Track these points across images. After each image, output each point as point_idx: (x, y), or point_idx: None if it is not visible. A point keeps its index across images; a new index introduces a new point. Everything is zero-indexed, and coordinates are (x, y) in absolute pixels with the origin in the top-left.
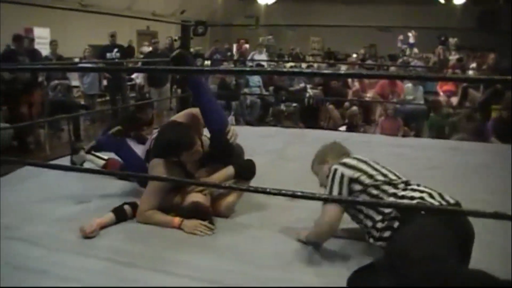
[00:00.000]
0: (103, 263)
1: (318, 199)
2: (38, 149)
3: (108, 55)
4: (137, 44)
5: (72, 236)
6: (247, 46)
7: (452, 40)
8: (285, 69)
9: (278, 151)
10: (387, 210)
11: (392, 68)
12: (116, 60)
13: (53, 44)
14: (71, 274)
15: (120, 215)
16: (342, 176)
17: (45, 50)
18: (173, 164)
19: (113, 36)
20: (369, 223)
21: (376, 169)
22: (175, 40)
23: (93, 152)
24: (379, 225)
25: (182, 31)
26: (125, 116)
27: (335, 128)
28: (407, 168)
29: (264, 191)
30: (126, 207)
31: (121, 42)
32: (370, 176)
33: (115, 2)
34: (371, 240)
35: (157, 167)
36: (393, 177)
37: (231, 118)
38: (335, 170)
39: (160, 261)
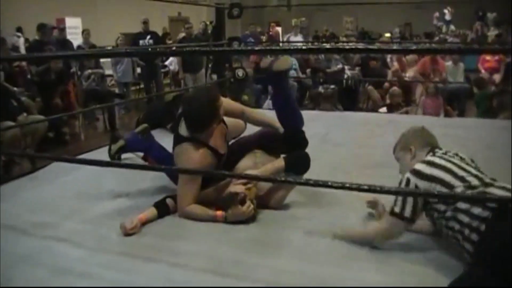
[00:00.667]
0: (147, 263)
1: (373, 191)
2: (74, 139)
3: (141, 42)
4: (169, 30)
5: (112, 233)
6: (278, 29)
7: (491, 15)
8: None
9: (321, 136)
10: (476, 211)
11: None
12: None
13: (85, 33)
14: (114, 276)
15: (163, 210)
16: (416, 188)
17: (77, 40)
18: (203, 147)
19: (145, 23)
20: (456, 226)
21: (457, 175)
22: (210, 23)
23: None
24: (467, 228)
25: (216, 14)
26: (156, 108)
27: (374, 109)
28: (461, 150)
29: (316, 183)
30: (169, 200)
31: (153, 29)
32: (450, 187)
33: None
34: (458, 242)
35: (186, 153)
36: (476, 182)
37: (268, 102)
38: (408, 180)
39: (209, 260)
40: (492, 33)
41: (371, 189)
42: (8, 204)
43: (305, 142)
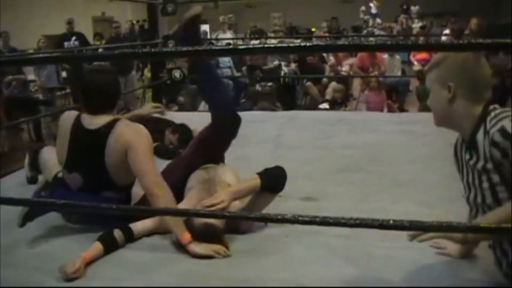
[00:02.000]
0: None
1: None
2: None
3: (66, 44)
4: (93, 31)
5: (50, 280)
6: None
7: (414, 8)
8: (267, 46)
9: (273, 139)
10: None
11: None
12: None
13: (3, 35)
14: None
15: (110, 244)
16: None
17: None
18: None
19: (70, 23)
20: None
21: None
22: (137, 22)
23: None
24: None
25: (148, 11)
26: None
27: (314, 106)
28: (429, 148)
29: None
30: (116, 232)
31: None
32: None
33: None
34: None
35: (135, 127)
36: None
37: (203, 104)
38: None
39: None
40: (416, 25)
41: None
42: None
43: (238, 118)
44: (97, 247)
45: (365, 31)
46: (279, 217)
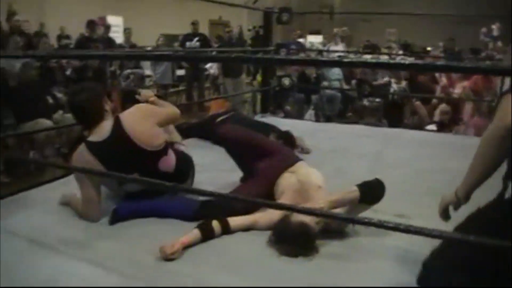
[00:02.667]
0: None
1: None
2: None
3: (188, 44)
4: (209, 34)
5: (149, 258)
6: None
7: None
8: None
9: (374, 154)
10: None
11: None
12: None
13: (126, 32)
14: None
15: (207, 233)
16: None
17: (118, 39)
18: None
19: (194, 24)
20: None
21: None
22: (253, 28)
23: None
24: None
25: (264, 18)
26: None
27: (421, 126)
28: None
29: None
30: (215, 223)
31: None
32: None
33: None
34: None
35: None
36: None
37: (310, 113)
38: None
39: None
40: None
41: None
42: (37, 211)
43: None
44: (196, 234)
45: (483, 54)
46: (366, 220)
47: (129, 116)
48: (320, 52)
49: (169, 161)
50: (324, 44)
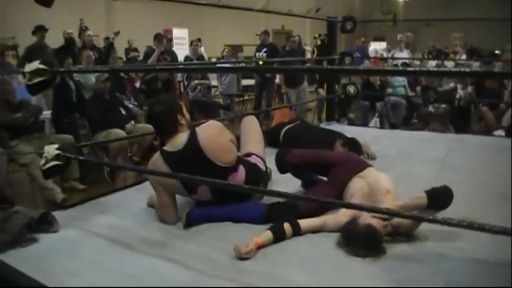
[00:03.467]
0: None
1: None
2: None
3: (257, 54)
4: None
5: (224, 256)
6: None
7: None
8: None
9: (440, 160)
10: None
11: None
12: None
13: (194, 44)
14: None
15: (279, 235)
16: None
17: (183, 51)
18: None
19: (262, 34)
20: None
21: None
22: (319, 36)
23: None
24: None
25: (328, 28)
26: None
27: (488, 132)
28: None
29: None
30: (286, 225)
31: (255, 42)
32: None
33: (250, 2)
34: None
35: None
36: None
37: (375, 120)
38: None
39: None
40: None
41: None
42: (114, 215)
43: None
44: (268, 235)
45: None
46: (430, 217)
47: (205, 130)
48: (385, 59)
49: (238, 177)
50: (388, 50)
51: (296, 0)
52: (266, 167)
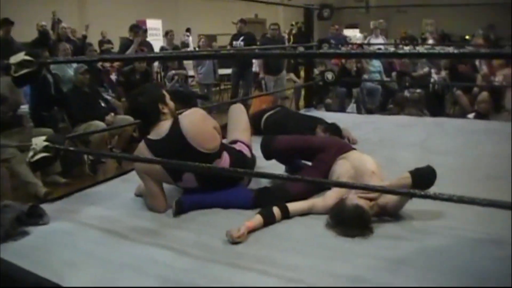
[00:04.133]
0: (261, 277)
1: None
2: None
3: (234, 43)
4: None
5: (217, 242)
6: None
7: None
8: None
9: (421, 143)
10: None
11: None
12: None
13: (169, 34)
14: None
15: (269, 219)
16: None
17: (158, 42)
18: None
19: (238, 23)
20: None
21: None
22: (296, 24)
23: None
24: None
25: (305, 15)
26: None
27: (463, 116)
28: None
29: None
30: (275, 209)
31: (230, 31)
32: None
33: None
34: None
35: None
36: None
37: (352, 106)
38: None
39: (324, 277)
40: None
41: None
42: (103, 206)
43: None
44: (258, 219)
45: None
46: (422, 193)
47: (188, 118)
48: (360, 45)
49: (222, 164)
50: (364, 37)
51: None
52: (252, 154)
